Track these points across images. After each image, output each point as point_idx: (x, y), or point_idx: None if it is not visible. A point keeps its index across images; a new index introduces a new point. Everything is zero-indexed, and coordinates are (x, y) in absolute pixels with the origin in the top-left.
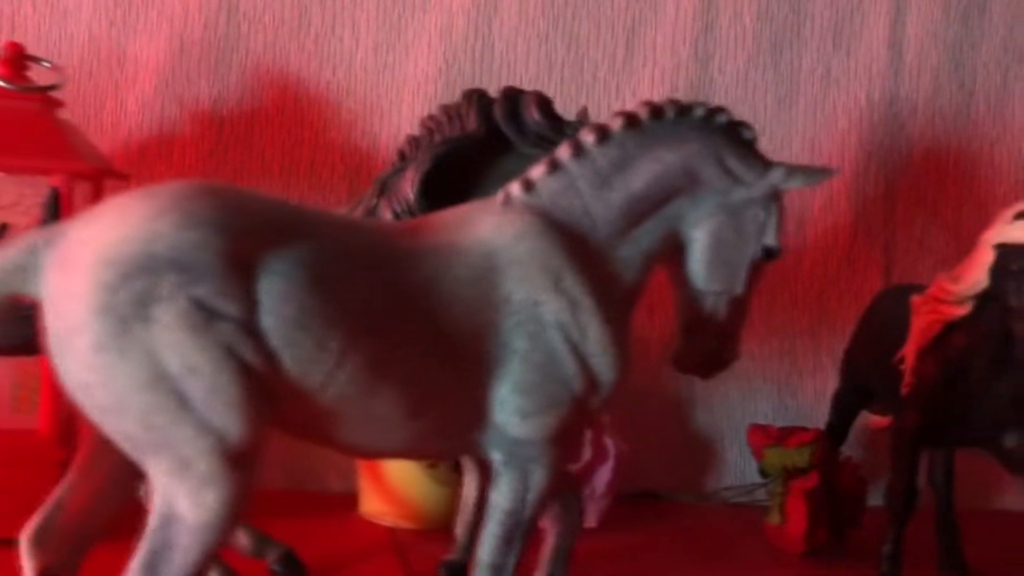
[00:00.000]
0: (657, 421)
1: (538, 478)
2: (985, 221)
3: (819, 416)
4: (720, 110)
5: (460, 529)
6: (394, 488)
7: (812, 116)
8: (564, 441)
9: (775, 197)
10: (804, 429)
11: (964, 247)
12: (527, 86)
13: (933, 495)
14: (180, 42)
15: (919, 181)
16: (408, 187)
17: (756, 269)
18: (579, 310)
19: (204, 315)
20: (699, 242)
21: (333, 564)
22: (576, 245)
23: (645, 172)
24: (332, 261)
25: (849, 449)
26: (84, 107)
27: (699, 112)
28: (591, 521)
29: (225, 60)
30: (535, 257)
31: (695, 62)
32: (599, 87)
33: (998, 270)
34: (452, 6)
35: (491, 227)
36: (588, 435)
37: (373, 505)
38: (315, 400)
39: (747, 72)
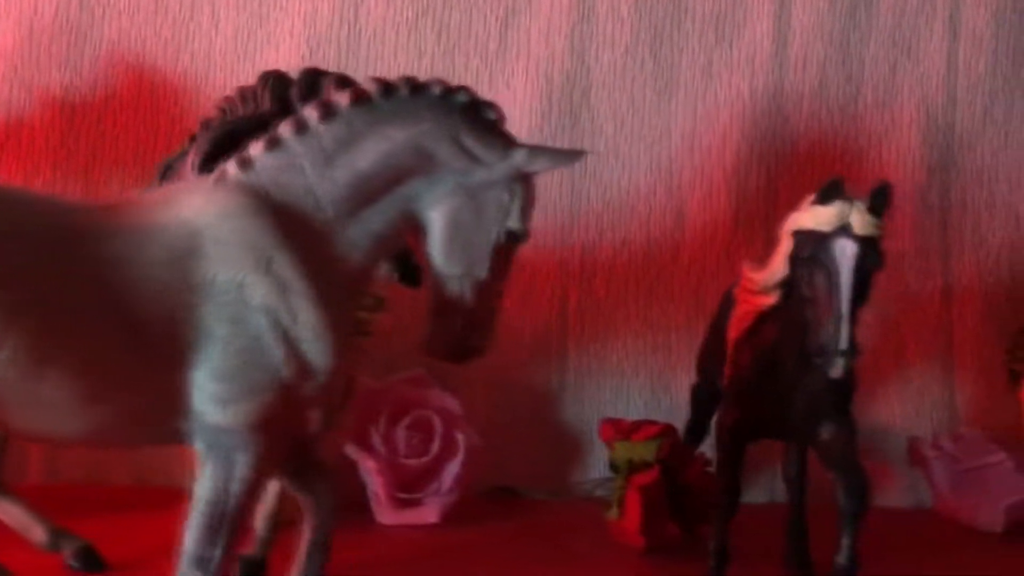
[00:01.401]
0: (524, 415)
1: (242, 467)
2: None
3: None
4: (460, 89)
5: (260, 523)
6: None
7: (692, 109)
8: (273, 429)
9: (520, 179)
10: (653, 423)
11: None
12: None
13: (786, 491)
14: (30, 27)
15: (803, 175)
16: (188, 169)
17: (503, 253)
18: (290, 293)
19: None
20: (436, 224)
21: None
22: (294, 225)
23: (372, 151)
24: None
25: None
26: None
27: (436, 90)
28: (432, 517)
29: (77, 46)
30: (243, 237)
31: (570, 53)
32: (470, 77)
33: (793, 258)
34: None
35: (197, 206)
36: (439, 428)
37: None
38: None
39: (625, 64)
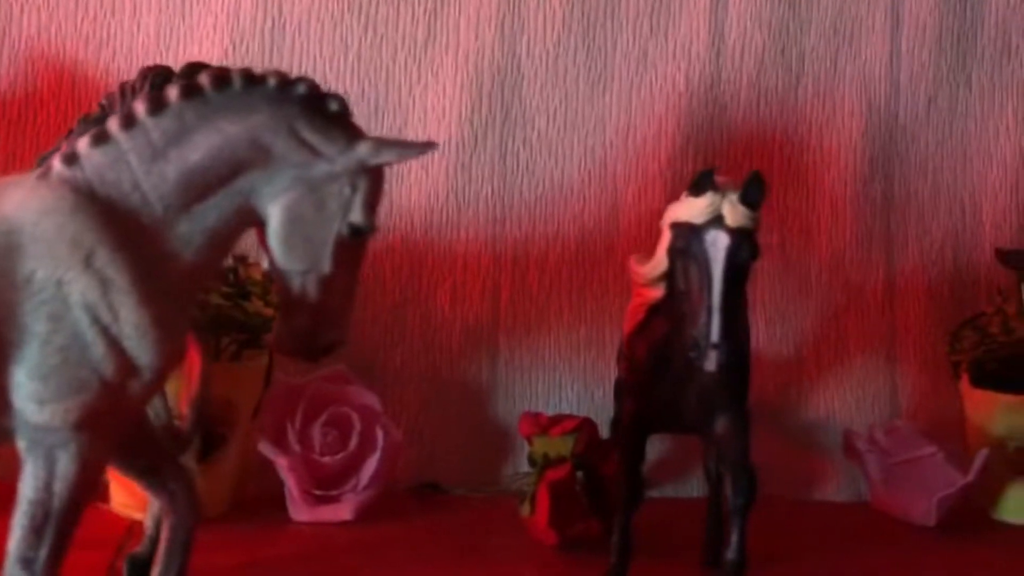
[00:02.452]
0: (455, 410)
1: (65, 467)
2: (812, 207)
3: None
4: (300, 80)
5: (149, 521)
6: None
7: (627, 100)
8: (97, 428)
9: (364, 172)
10: (571, 417)
11: (789, 234)
12: (322, 70)
13: (707, 486)
14: None
15: (742, 167)
16: None
17: (349, 248)
18: (112, 290)
19: None
20: (275, 219)
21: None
22: (120, 222)
23: (204, 144)
24: None
25: None
26: None
27: (272, 82)
28: (346, 514)
29: None
30: (62, 234)
31: (501, 43)
32: (398, 70)
33: (671, 250)
34: None
35: (16, 203)
36: (357, 425)
37: (119, 497)
38: None
39: (557, 54)
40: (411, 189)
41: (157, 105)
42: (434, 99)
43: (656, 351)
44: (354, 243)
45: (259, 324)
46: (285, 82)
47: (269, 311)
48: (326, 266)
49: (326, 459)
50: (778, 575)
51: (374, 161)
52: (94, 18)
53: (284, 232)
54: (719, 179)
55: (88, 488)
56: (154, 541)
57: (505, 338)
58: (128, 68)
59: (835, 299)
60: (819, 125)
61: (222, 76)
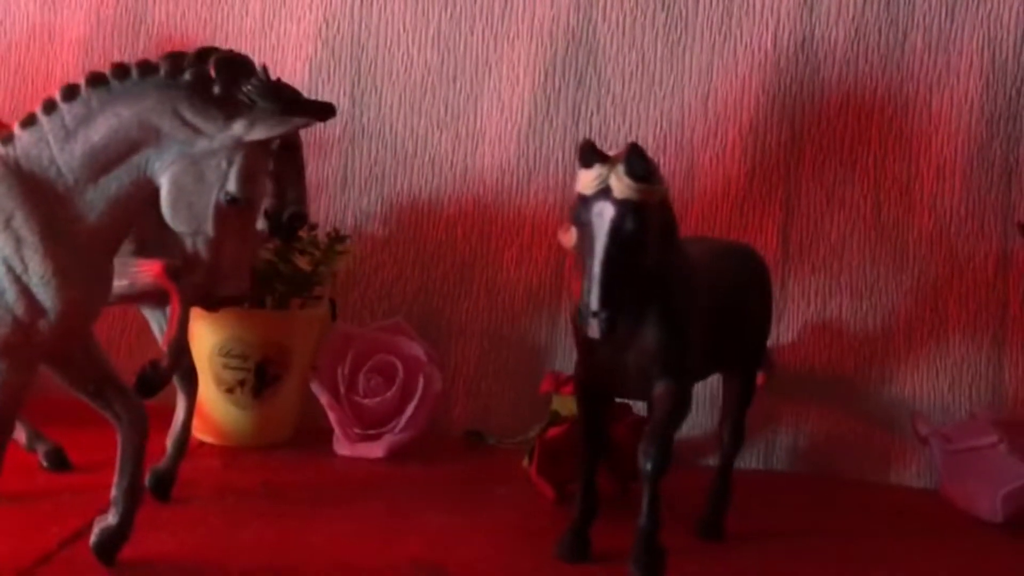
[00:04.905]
0: (513, 366)
1: None
2: (916, 172)
3: None
4: (187, 69)
5: (168, 443)
6: (201, 409)
7: (708, 62)
8: (15, 357)
9: (240, 148)
10: None
11: (887, 200)
12: (405, 43)
13: (719, 454)
14: (97, 16)
15: (834, 130)
16: None
17: (232, 214)
18: (23, 246)
19: None
20: (164, 188)
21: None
22: (37, 191)
23: (104, 126)
24: None
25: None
26: None
27: (162, 71)
28: (379, 452)
29: (134, 29)
30: None
31: (576, 10)
32: (476, 41)
33: (571, 220)
34: None
35: None
36: (400, 373)
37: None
38: None
39: (635, 17)
40: (484, 154)
41: (70, 93)
42: (508, 68)
43: None
44: (236, 210)
45: (301, 278)
46: (174, 71)
47: (308, 267)
48: (209, 229)
49: (367, 401)
50: (809, 550)
51: (248, 138)
52: (211, 5)
53: (170, 199)
54: (611, 152)
55: (11, 405)
56: (172, 459)
57: (566, 302)
58: (240, 47)
59: (935, 272)
60: (928, 84)
61: (123, 67)
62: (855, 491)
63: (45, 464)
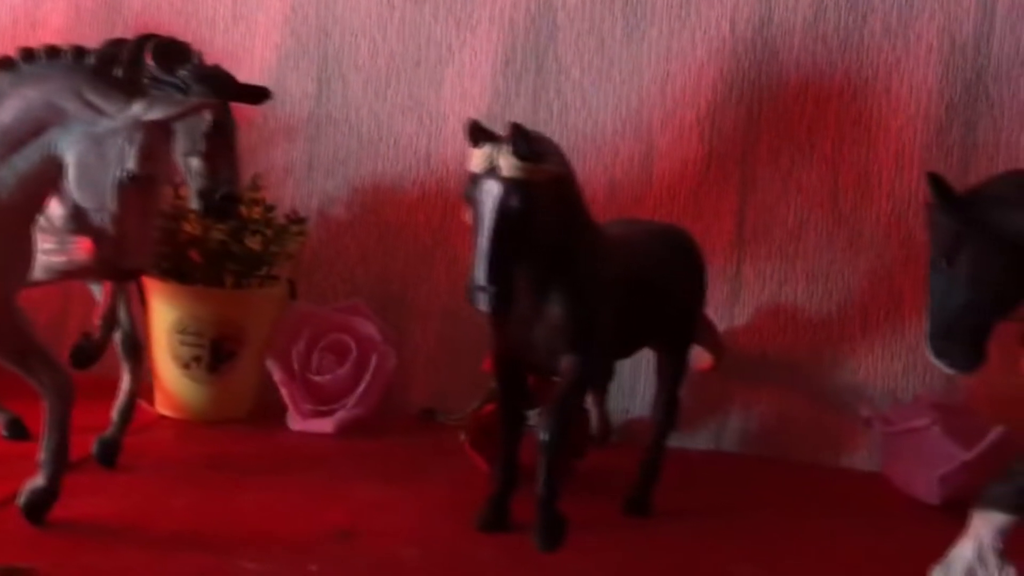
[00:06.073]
0: (469, 346)
1: None
2: (874, 156)
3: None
4: (90, 53)
5: (114, 414)
6: (161, 383)
7: (666, 47)
8: None
9: (140, 127)
10: None
11: (845, 182)
12: (370, 30)
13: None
14: (76, 6)
15: (791, 114)
16: None
17: (134, 191)
18: None
19: None
20: (69, 166)
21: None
22: None
23: (13, 107)
24: None
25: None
26: None
27: (68, 55)
28: (328, 428)
29: (111, 19)
30: None
31: None
32: (439, 28)
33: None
34: None
35: None
36: (353, 352)
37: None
38: None
39: (594, 2)
40: (447, 139)
41: None
42: (470, 54)
43: None
44: (137, 187)
45: (253, 258)
46: (78, 54)
47: (259, 247)
48: (112, 205)
49: (319, 379)
50: (734, 528)
51: (146, 118)
52: None
53: (75, 176)
54: (499, 132)
55: None
56: (118, 428)
57: None
58: (211, 36)
59: (891, 257)
60: (887, 68)
61: (31, 51)
62: (803, 473)
63: (5, 434)
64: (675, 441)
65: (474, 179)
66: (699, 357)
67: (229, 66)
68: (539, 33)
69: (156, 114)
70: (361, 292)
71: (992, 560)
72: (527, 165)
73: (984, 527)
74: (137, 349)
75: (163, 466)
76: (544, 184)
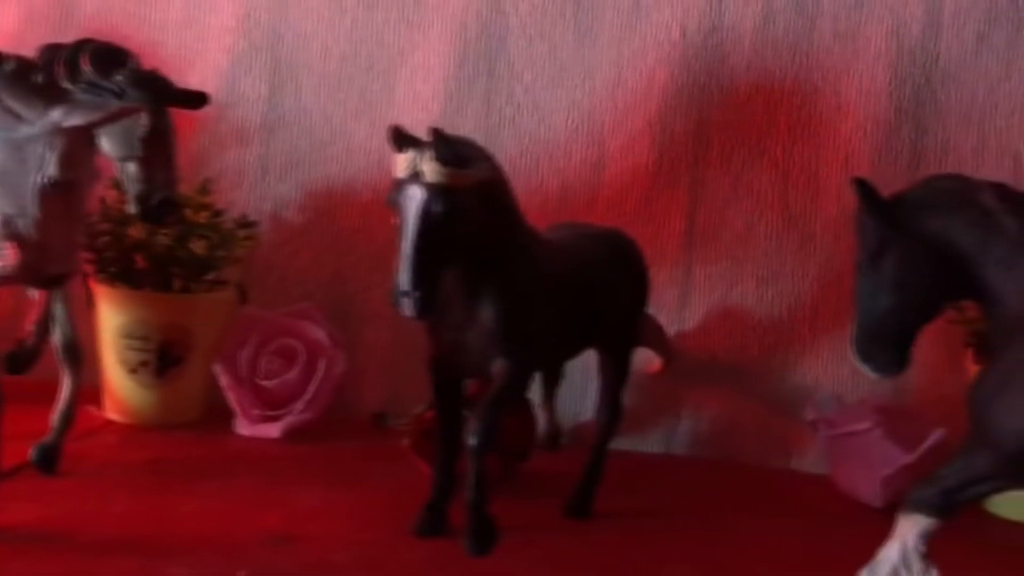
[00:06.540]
0: (419, 350)
1: None
2: (823, 160)
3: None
4: (9, 59)
5: (55, 418)
6: (109, 388)
7: (616, 52)
8: None
9: (59, 133)
10: None
11: (795, 186)
12: (322, 34)
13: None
14: (29, 7)
15: (741, 118)
16: None
17: (54, 197)
18: None
19: None
20: None
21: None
22: None
23: None
24: None
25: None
26: None
27: None
28: (275, 432)
29: (63, 21)
30: None
31: (487, 1)
32: (389, 31)
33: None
34: None
35: None
36: (302, 356)
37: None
38: None
39: (544, 7)
40: None
41: None
42: (422, 57)
43: (440, 297)
44: (59, 193)
45: (198, 263)
46: None
47: (204, 251)
48: (35, 210)
49: (267, 383)
50: (673, 530)
51: (66, 123)
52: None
53: None
54: (423, 137)
55: None
56: (58, 432)
57: None
58: (163, 39)
59: (841, 260)
60: (836, 72)
61: None
62: (751, 476)
63: None
64: (625, 444)
65: (398, 184)
66: (648, 360)
67: (181, 69)
68: (491, 37)
69: (76, 120)
70: (314, 296)
71: (916, 563)
72: (450, 170)
73: (909, 530)
74: (76, 353)
75: (104, 471)
76: (469, 189)
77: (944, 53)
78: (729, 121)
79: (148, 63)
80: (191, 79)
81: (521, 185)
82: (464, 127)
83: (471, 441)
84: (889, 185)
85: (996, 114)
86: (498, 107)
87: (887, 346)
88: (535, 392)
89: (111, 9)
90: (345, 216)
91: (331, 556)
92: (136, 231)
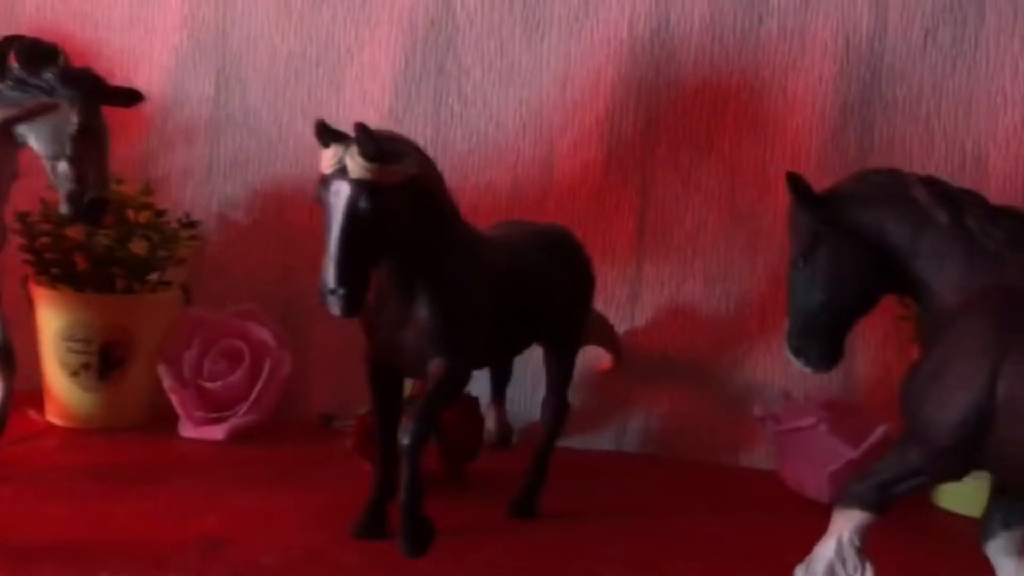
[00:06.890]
0: None
1: None
2: (770, 157)
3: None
4: None
5: None
6: (50, 391)
7: (565, 49)
8: None
9: None
10: None
11: (743, 182)
12: (268, 32)
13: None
14: None
15: (689, 115)
16: None
17: None
18: None
19: None
20: None
21: None
22: None
23: None
24: None
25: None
26: None
27: None
28: (219, 435)
29: (5, 20)
30: None
31: None
32: (338, 29)
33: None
34: None
35: None
36: (247, 357)
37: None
38: None
39: (492, 4)
40: None
41: None
42: (370, 55)
43: (378, 295)
44: None
45: (139, 263)
46: None
47: (144, 252)
48: None
49: (211, 385)
50: (621, 528)
51: None
52: None
53: None
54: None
55: None
56: None
57: None
58: (109, 37)
59: (788, 257)
60: (783, 69)
61: None
62: (702, 473)
63: None
64: (576, 442)
65: (324, 180)
66: (598, 358)
67: (127, 68)
68: (439, 35)
69: None
70: (262, 297)
71: (851, 558)
72: (375, 166)
73: (844, 525)
74: (8, 356)
75: (42, 476)
76: (397, 185)
77: (891, 50)
78: (678, 118)
79: (93, 63)
80: (137, 78)
81: (471, 183)
82: (413, 125)
83: (403, 440)
84: (835, 182)
85: (942, 110)
86: (447, 104)
87: (819, 341)
88: (483, 390)
89: (54, 7)
90: (293, 216)
91: (262, 558)
92: (76, 232)
